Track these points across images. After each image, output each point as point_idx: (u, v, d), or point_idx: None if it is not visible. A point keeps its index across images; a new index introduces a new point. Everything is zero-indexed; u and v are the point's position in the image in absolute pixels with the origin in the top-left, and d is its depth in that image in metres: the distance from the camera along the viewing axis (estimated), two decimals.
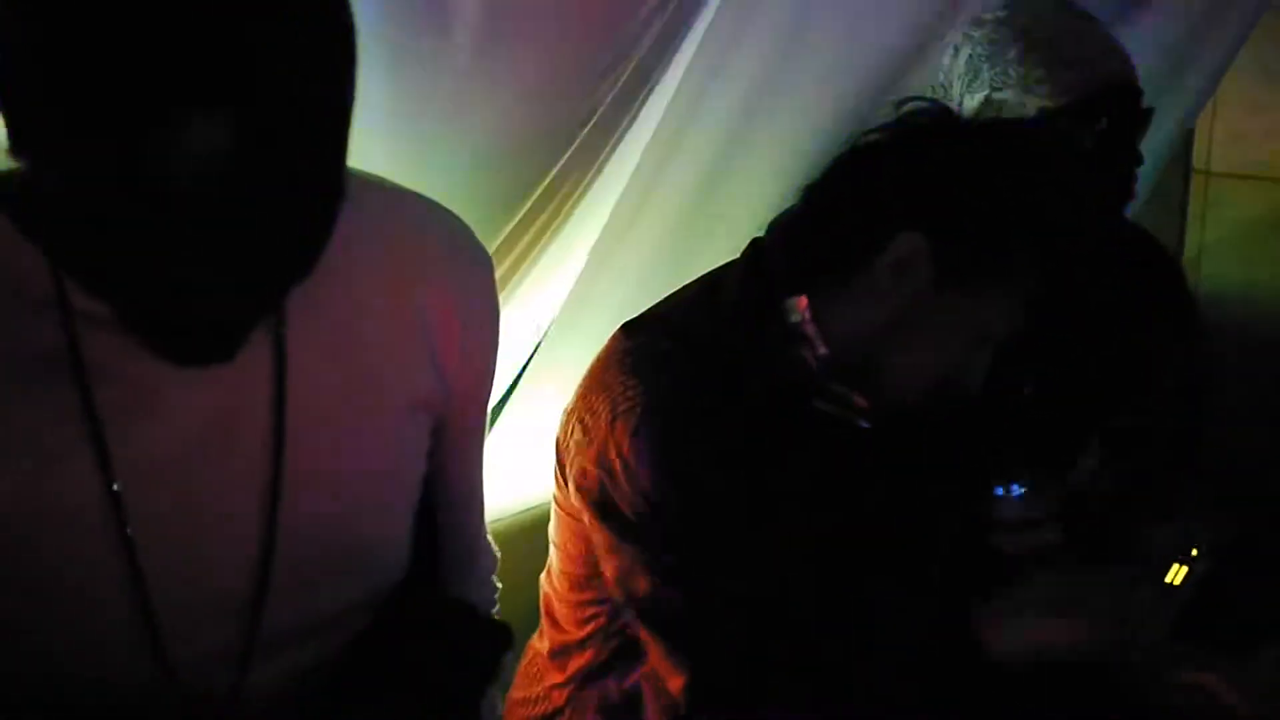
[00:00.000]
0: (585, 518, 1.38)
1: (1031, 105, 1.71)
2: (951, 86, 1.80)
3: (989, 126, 1.55)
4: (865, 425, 1.42)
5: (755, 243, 1.47)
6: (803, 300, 1.39)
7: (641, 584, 1.36)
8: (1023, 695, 1.41)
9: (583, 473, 1.36)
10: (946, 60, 1.82)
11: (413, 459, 1.13)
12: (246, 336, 0.93)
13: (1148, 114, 1.78)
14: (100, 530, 0.96)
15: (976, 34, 1.79)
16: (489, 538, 1.29)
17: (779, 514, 1.37)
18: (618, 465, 1.32)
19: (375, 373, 1.07)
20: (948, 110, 1.49)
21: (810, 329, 1.38)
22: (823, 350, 1.38)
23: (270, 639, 1.04)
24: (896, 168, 1.39)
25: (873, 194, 1.39)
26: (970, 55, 1.78)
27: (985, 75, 1.76)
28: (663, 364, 1.36)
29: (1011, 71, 1.73)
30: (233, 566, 1.02)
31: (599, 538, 1.38)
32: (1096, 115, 1.71)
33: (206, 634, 1.02)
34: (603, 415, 1.34)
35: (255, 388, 1.00)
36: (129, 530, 0.96)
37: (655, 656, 1.38)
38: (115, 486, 0.95)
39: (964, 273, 1.35)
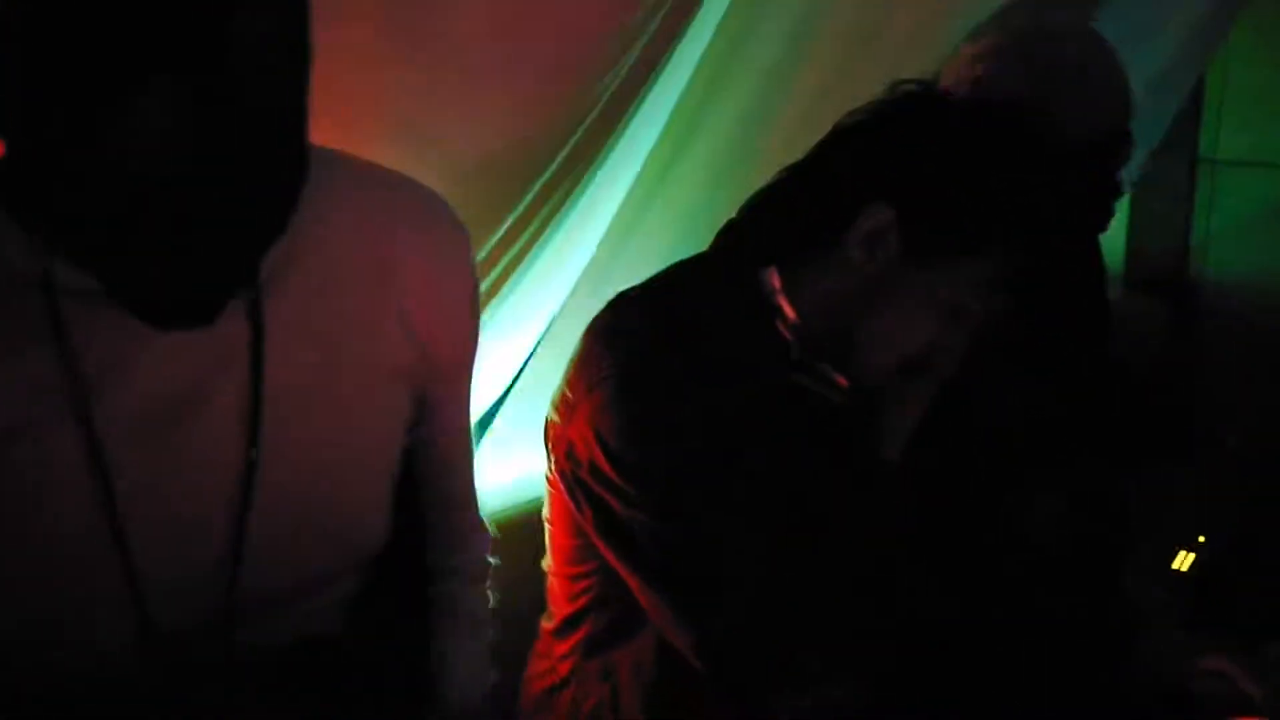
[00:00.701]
0: (568, 486, 1.40)
1: None
2: None
3: (971, 106, 1.55)
4: (842, 404, 1.43)
5: (732, 220, 1.49)
6: (773, 272, 1.40)
7: (628, 549, 1.37)
8: (1028, 692, 1.42)
9: (565, 442, 1.38)
10: (950, 70, 1.71)
11: (390, 428, 1.13)
12: (225, 300, 0.93)
13: (1131, 151, 1.73)
14: (86, 493, 0.98)
15: (986, 58, 1.68)
16: (482, 515, 1.29)
17: (756, 490, 1.38)
18: (591, 434, 1.34)
19: (352, 342, 1.07)
20: (933, 90, 1.48)
21: (781, 300, 1.40)
22: (794, 321, 1.39)
23: (250, 604, 1.05)
24: (871, 142, 1.40)
25: (845, 167, 1.40)
26: (975, 79, 1.67)
27: None
28: (642, 335, 1.38)
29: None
30: (211, 531, 1.03)
31: (584, 506, 1.39)
32: (1086, 160, 1.65)
33: (189, 598, 1.03)
34: (581, 386, 1.36)
35: (232, 358, 1.01)
36: (113, 493, 0.98)
37: (658, 619, 1.40)
38: (100, 451, 0.97)
39: (931, 245, 1.36)
